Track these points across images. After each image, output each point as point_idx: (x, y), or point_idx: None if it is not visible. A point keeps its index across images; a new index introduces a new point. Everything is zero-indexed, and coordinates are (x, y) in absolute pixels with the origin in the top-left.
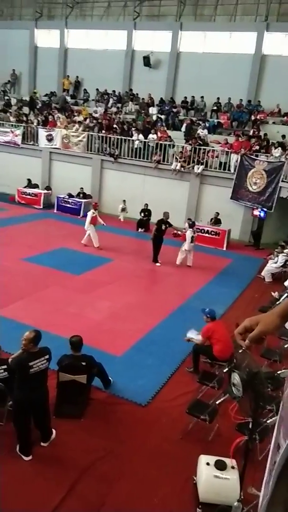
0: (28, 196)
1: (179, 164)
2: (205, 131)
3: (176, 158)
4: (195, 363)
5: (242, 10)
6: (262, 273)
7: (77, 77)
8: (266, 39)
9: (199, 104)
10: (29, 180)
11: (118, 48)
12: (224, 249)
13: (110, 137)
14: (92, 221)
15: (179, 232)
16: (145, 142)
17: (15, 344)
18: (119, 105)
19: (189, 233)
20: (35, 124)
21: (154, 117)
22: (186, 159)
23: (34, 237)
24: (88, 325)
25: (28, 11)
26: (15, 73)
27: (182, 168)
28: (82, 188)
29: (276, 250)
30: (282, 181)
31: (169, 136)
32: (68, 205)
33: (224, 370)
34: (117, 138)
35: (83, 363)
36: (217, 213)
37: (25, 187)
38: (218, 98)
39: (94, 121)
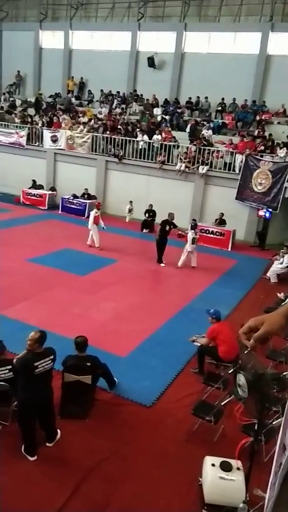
0: (33, 197)
1: (183, 165)
2: (210, 132)
3: (180, 158)
4: (200, 364)
5: (247, 11)
6: (268, 274)
7: (82, 78)
8: (271, 39)
9: (204, 105)
10: (34, 181)
11: (123, 49)
12: (229, 249)
13: (114, 138)
14: (95, 220)
15: (183, 233)
16: (149, 143)
17: (20, 344)
18: (124, 106)
19: (190, 235)
20: (39, 125)
21: (159, 118)
22: (191, 159)
23: (39, 238)
24: (92, 326)
25: (32, 13)
26: (19, 75)
27: (187, 169)
28: (86, 189)
29: (281, 250)
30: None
31: (174, 137)
32: (73, 206)
33: (229, 371)
34: (122, 139)
35: (88, 364)
36: (222, 214)
37: (30, 188)
38: (223, 99)
39: (99, 122)
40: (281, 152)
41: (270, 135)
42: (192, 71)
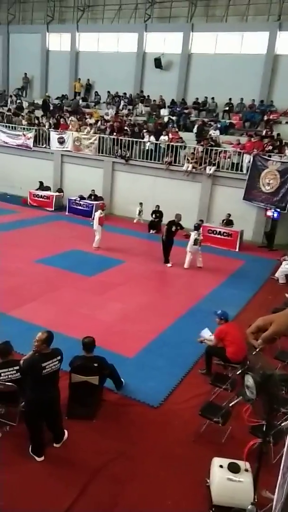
0: (40, 199)
1: (190, 165)
2: (217, 132)
3: (187, 159)
4: (207, 365)
5: (254, 10)
6: (276, 275)
7: (88, 80)
8: (279, 39)
9: (211, 105)
10: (41, 183)
11: (129, 50)
12: (237, 250)
13: (121, 139)
14: (100, 221)
15: (189, 234)
16: (156, 143)
17: (27, 345)
18: (130, 107)
19: (193, 235)
20: (46, 127)
21: (166, 119)
22: (198, 160)
23: (46, 239)
24: (99, 327)
25: (39, 15)
26: (27, 77)
27: (194, 169)
28: (93, 190)
29: None
30: None
31: (181, 138)
32: (80, 207)
33: (237, 372)
34: (128, 140)
35: (95, 364)
36: (229, 215)
37: (37, 189)
38: (230, 99)
39: (106, 123)
40: None
41: (278, 134)
42: (199, 71)
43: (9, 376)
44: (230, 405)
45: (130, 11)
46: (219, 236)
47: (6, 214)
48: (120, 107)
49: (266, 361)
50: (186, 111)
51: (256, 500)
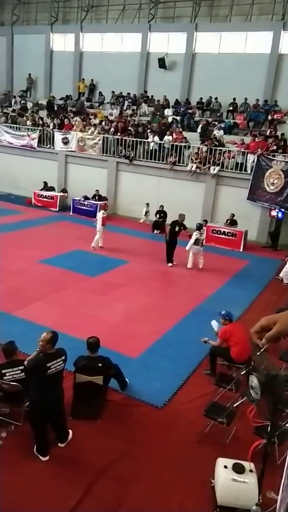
0: (44, 199)
1: (194, 165)
2: (221, 132)
3: (191, 159)
4: (212, 365)
5: (258, 10)
6: (280, 275)
7: (92, 80)
8: (283, 38)
9: (215, 105)
10: (45, 183)
11: (133, 50)
12: (241, 250)
13: (125, 139)
14: (103, 221)
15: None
16: (160, 143)
17: (32, 345)
18: (134, 107)
19: (194, 235)
20: (51, 127)
21: (170, 119)
22: (202, 160)
23: (50, 239)
24: (103, 327)
25: (43, 16)
26: (31, 77)
27: (198, 169)
28: (97, 190)
29: None
30: None
31: (185, 138)
32: (84, 208)
33: (242, 373)
34: (133, 140)
35: (100, 364)
36: (233, 215)
37: (41, 189)
38: (234, 99)
39: (110, 123)
40: None
41: (283, 134)
42: (203, 71)
43: (14, 376)
44: (235, 405)
45: (134, 11)
46: (223, 236)
47: (10, 215)
48: (124, 107)
49: (270, 361)
50: (190, 111)
51: (260, 501)
